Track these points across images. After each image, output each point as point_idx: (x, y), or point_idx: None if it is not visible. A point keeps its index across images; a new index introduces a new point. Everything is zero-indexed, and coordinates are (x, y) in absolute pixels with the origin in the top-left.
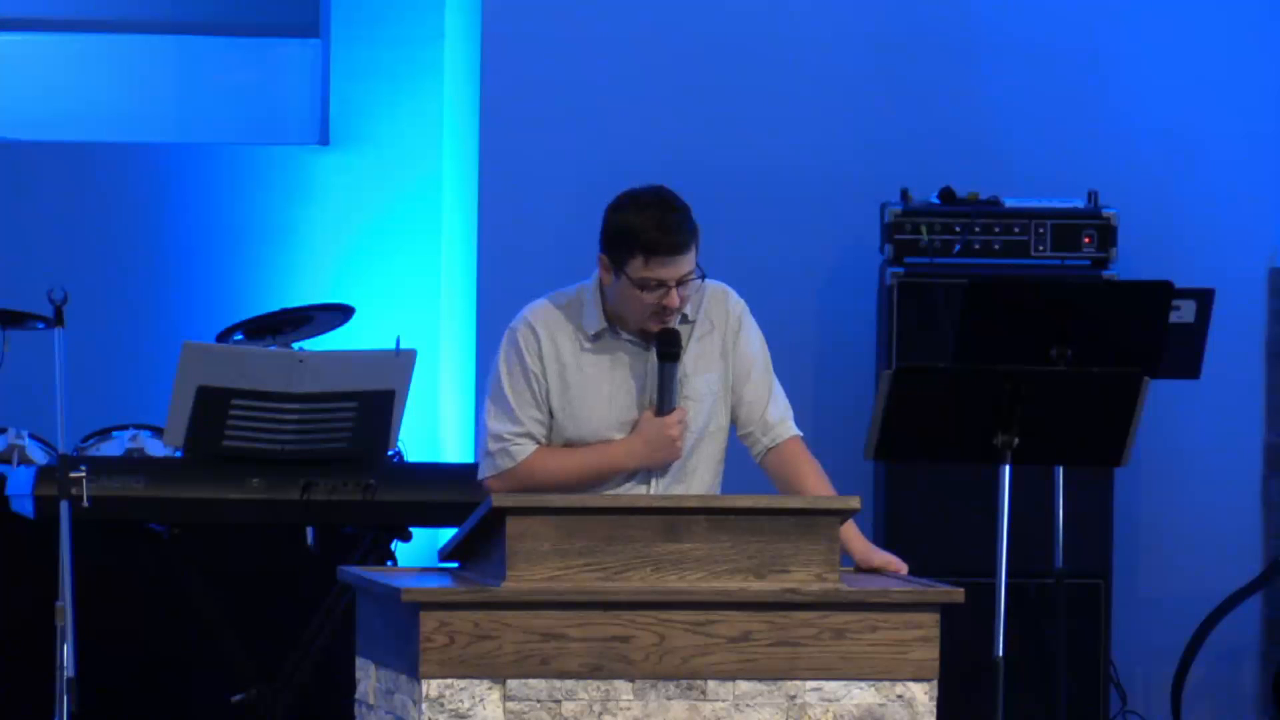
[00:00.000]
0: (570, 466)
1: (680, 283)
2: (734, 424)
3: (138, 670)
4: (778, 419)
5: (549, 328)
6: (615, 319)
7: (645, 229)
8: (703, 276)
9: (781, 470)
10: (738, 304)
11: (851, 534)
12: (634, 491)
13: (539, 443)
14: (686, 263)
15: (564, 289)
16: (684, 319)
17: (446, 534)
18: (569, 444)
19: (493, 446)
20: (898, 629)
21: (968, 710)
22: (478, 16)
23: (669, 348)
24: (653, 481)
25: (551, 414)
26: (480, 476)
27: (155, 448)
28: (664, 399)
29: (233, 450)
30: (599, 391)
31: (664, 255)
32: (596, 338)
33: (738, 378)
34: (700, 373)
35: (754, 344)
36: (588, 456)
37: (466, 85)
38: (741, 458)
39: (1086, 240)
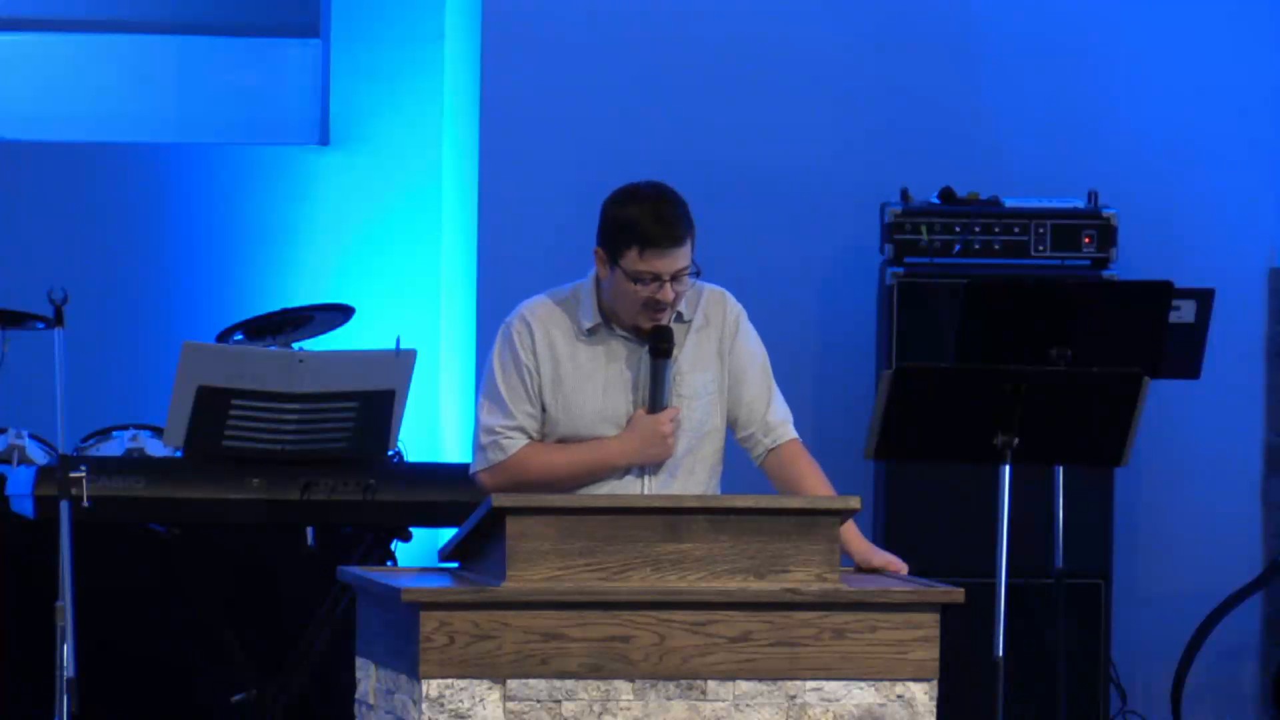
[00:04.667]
0: (562, 462)
1: (675, 277)
2: (733, 426)
3: (138, 670)
4: (778, 421)
5: (543, 323)
6: (610, 315)
7: (641, 221)
8: (697, 274)
9: (782, 471)
10: (735, 307)
11: (851, 534)
12: (627, 486)
13: (531, 437)
14: (682, 257)
15: (560, 287)
16: (680, 317)
17: (446, 534)
18: (562, 439)
19: (484, 440)
20: (898, 629)
21: (968, 710)
22: (478, 16)
23: (662, 344)
24: (646, 479)
25: (544, 408)
26: (472, 470)
27: (155, 448)
28: (656, 396)
29: (233, 450)
30: (593, 386)
31: (659, 248)
32: (591, 333)
33: (736, 380)
34: (696, 371)
35: (752, 347)
36: (580, 453)
37: (466, 85)
38: (741, 458)
39: (1086, 240)
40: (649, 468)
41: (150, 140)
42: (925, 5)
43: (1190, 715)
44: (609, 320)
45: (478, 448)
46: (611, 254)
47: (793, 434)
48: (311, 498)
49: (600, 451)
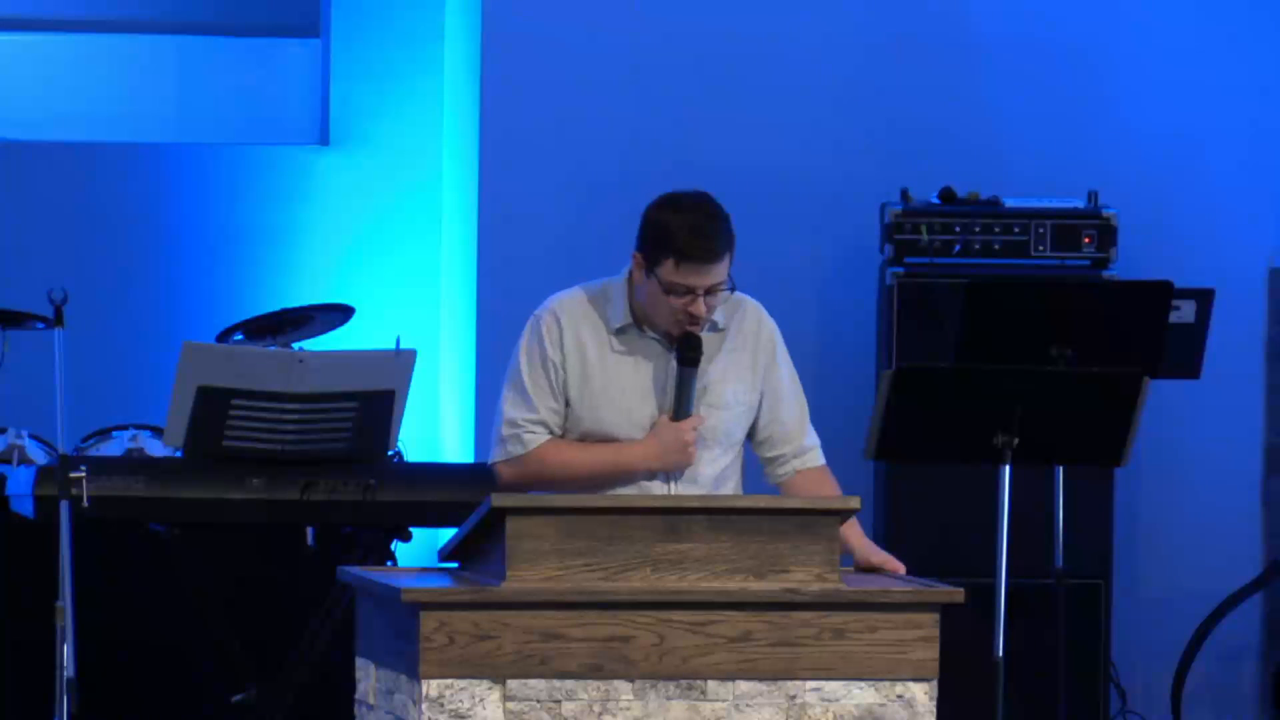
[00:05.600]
0: (581, 461)
1: (709, 292)
2: (761, 444)
3: (138, 670)
4: (811, 445)
5: (573, 318)
6: (641, 317)
7: (681, 233)
8: (732, 288)
9: (806, 491)
10: (770, 323)
11: (852, 533)
12: (652, 492)
13: (553, 432)
14: (718, 272)
15: (592, 282)
16: (714, 326)
17: (446, 534)
18: (584, 437)
19: (506, 432)
20: (898, 629)
21: (968, 710)
22: (478, 16)
23: (689, 352)
24: (672, 485)
25: (569, 404)
26: (490, 461)
27: (155, 448)
28: (681, 404)
29: (233, 450)
30: (619, 386)
31: (696, 262)
32: (621, 332)
33: (775, 400)
34: (728, 382)
35: (789, 367)
36: (600, 454)
37: (466, 85)
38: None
39: (1086, 240)
40: (674, 475)
41: (150, 140)
42: (925, 5)
43: (1190, 715)
44: (639, 322)
45: (498, 439)
46: (649, 261)
47: (822, 460)
48: (311, 498)
49: (620, 455)
